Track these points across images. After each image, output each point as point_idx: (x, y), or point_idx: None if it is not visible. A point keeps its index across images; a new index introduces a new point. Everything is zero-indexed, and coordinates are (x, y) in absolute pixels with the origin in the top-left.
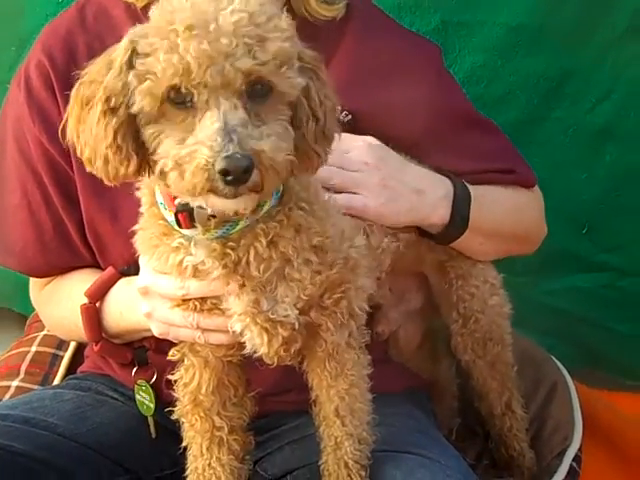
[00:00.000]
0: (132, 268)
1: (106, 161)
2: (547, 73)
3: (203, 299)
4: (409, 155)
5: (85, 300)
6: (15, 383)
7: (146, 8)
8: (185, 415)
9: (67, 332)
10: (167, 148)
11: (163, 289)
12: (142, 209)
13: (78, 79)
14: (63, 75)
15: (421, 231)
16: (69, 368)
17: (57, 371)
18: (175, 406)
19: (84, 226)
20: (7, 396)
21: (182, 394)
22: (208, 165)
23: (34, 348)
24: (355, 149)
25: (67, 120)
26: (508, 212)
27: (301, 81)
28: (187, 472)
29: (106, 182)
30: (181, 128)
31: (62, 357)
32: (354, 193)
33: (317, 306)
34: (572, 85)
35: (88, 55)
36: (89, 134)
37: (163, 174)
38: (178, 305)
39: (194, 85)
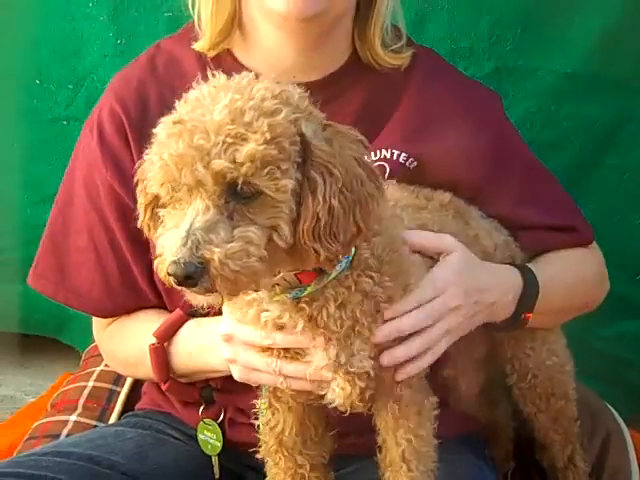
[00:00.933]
0: (199, 310)
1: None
2: (601, 119)
3: (287, 348)
4: (473, 202)
5: (153, 340)
6: (73, 418)
7: (217, 58)
8: (270, 455)
9: (132, 370)
10: (159, 234)
11: (249, 337)
12: None
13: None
14: (136, 123)
15: None
16: (126, 404)
17: (114, 407)
18: (246, 445)
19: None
20: (65, 430)
21: (268, 437)
22: (163, 265)
23: (91, 383)
24: (446, 290)
25: None
26: (574, 288)
27: (287, 182)
28: None
29: None
30: (178, 216)
31: (119, 393)
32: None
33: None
34: (626, 131)
35: (159, 104)
36: None
37: None
38: (263, 351)
39: (175, 182)
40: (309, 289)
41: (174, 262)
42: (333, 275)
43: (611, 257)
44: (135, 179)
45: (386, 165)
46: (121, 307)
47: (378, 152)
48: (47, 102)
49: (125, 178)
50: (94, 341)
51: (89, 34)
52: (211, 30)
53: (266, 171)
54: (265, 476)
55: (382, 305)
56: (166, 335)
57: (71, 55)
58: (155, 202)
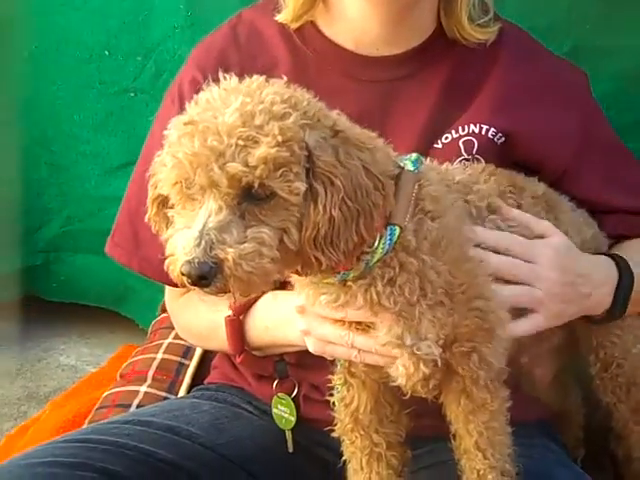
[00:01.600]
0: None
1: None
2: None
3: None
4: (559, 182)
5: (227, 312)
6: (143, 389)
7: (300, 30)
8: (346, 433)
9: (205, 341)
10: (170, 234)
11: (321, 311)
12: None
13: None
14: None
15: None
16: (194, 378)
17: (183, 379)
18: (319, 423)
19: None
20: (136, 401)
21: (343, 414)
22: (176, 265)
23: (160, 355)
24: (542, 259)
25: None
26: None
27: (299, 185)
28: None
29: None
30: (189, 216)
31: (187, 366)
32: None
33: (449, 351)
34: None
35: (240, 74)
36: None
37: None
38: (336, 323)
39: (188, 182)
40: (352, 273)
41: (188, 262)
42: (374, 260)
43: None
44: (147, 174)
45: (474, 140)
46: None
47: (466, 127)
48: (115, 73)
49: None
50: (156, 315)
51: (159, 5)
52: (294, 2)
53: (279, 173)
54: (337, 454)
55: (441, 290)
56: (242, 308)
57: (140, 26)
58: (163, 200)
